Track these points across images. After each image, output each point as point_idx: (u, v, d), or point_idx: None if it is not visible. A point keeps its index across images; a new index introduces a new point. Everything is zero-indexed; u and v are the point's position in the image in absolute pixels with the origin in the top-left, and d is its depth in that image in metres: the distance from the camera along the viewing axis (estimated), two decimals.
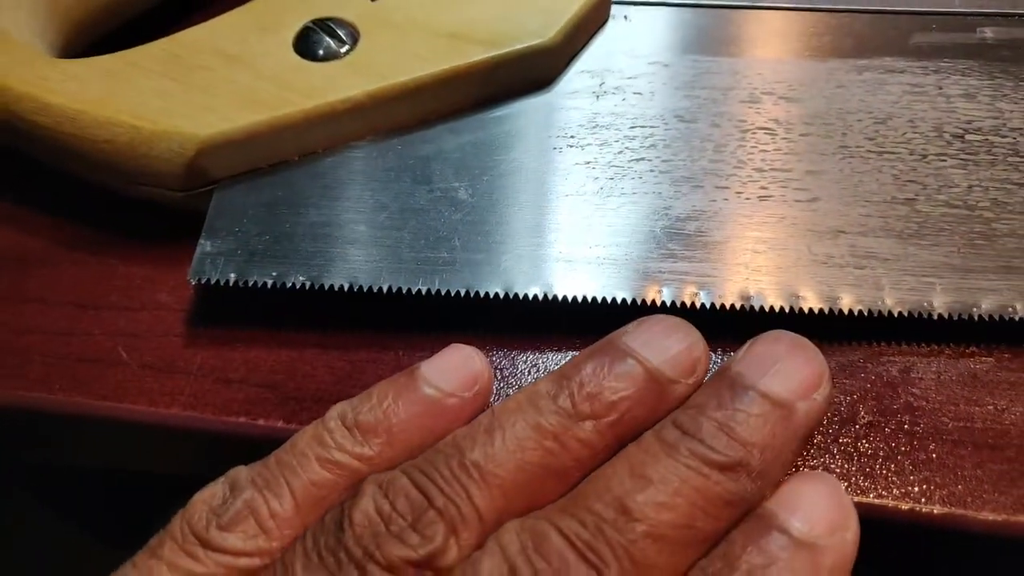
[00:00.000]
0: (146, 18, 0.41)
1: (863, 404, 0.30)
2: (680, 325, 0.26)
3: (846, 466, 0.28)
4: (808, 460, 0.28)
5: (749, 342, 0.26)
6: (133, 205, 0.34)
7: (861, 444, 0.29)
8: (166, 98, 0.33)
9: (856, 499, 0.27)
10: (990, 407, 0.29)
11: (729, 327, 0.31)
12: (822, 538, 0.22)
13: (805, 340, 0.25)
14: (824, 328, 0.31)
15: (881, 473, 0.28)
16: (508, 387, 0.30)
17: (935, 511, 0.27)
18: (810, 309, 0.30)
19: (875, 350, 0.31)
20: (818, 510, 0.23)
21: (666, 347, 0.25)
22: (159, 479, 0.36)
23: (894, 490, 0.28)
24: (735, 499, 0.23)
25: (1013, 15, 0.39)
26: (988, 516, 0.27)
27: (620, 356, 0.25)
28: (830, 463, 0.28)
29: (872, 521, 0.27)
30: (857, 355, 0.31)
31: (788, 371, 0.24)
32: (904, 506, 0.27)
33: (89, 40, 0.39)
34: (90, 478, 0.52)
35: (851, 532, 0.23)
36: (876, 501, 0.28)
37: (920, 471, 0.28)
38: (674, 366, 0.25)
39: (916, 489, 0.28)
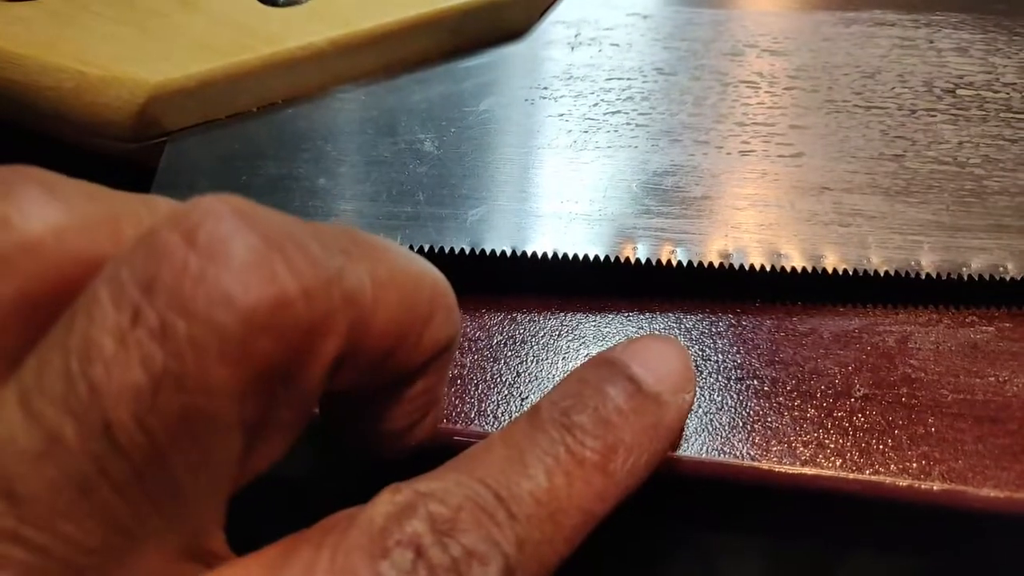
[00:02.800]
0: None
1: (859, 376, 0.28)
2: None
3: (841, 441, 0.27)
4: (802, 436, 0.27)
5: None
6: (88, 160, 0.33)
7: (857, 418, 0.27)
8: (117, 43, 0.31)
9: (852, 475, 0.26)
10: (991, 378, 0.28)
11: (708, 286, 0.30)
12: (666, 394, 0.23)
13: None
14: (811, 292, 0.30)
15: (878, 448, 0.27)
16: (475, 350, 0.29)
17: (934, 487, 0.26)
18: (792, 268, 0.29)
19: (871, 320, 0.29)
20: (666, 368, 0.23)
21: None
22: None
23: (891, 466, 0.26)
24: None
25: None
26: (989, 492, 0.26)
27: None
28: (824, 438, 0.27)
29: (869, 498, 0.26)
30: (853, 325, 0.29)
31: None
32: (902, 482, 0.26)
33: None
34: None
35: (690, 395, 0.24)
36: (873, 477, 0.26)
37: (918, 446, 0.27)
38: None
39: (915, 465, 0.26)
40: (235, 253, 0.16)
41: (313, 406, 0.19)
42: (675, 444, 0.26)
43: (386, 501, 0.19)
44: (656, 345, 0.24)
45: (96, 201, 0.18)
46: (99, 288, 0.16)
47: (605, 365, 0.23)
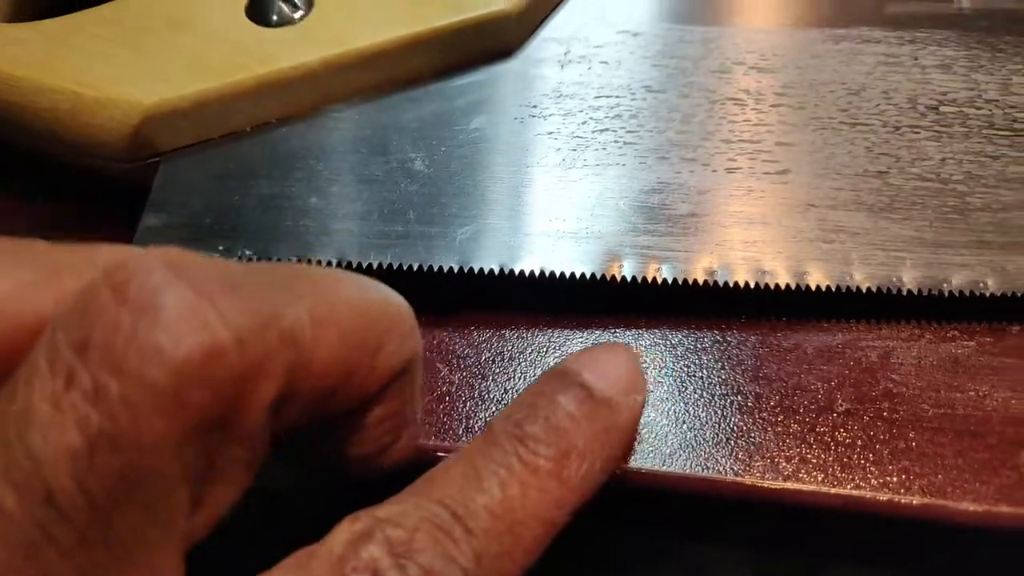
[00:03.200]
0: None
1: (841, 391, 0.29)
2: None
3: (823, 456, 0.27)
4: (784, 451, 0.27)
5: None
6: (85, 179, 0.33)
7: (839, 433, 0.28)
8: (111, 64, 0.32)
9: (833, 490, 0.26)
10: (971, 393, 0.28)
11: (694, 302, 0.30)
12: (616, 396, 0.24)
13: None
14: (794, 308, 0.30)
15: (859, 463, 0.27)
16: (464, 367, 0.29)
17: (914, 502, 0.26)
18: (776, 285, 0.29)
19: (854, 335, 0.30)
20: (615, 372, 0.24)
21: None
22: None
23: (872, 480, 0.27)
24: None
25: None
26: (969, 507, 0.26)
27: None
28: (807, 452, 0.27)
29: (849, 513, 0.27)
30: (836, 340, 0.30)
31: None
32: (883, 497, 0.26)
33: (41, 4, 0.38)
34: None
35: (641, 396, 0.25)
36: (854, 492, 0.26)
37: (899, 460, 0.27)
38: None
39: (895, 479, 0.27)
40: (165, 306, 0.16)
41: (260, 447, 0.19)
42: (630, 446, 0.26)
43: (344, 530, 0.19)
44: (606, 352, 0.25)
45: (33, 261, 0.19)
46: (38, 354, 0.16)
47: (557, 376, 0.24)
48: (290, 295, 0.18)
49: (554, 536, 0.22)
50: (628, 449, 0.26)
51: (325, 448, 0.23)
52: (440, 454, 0.27)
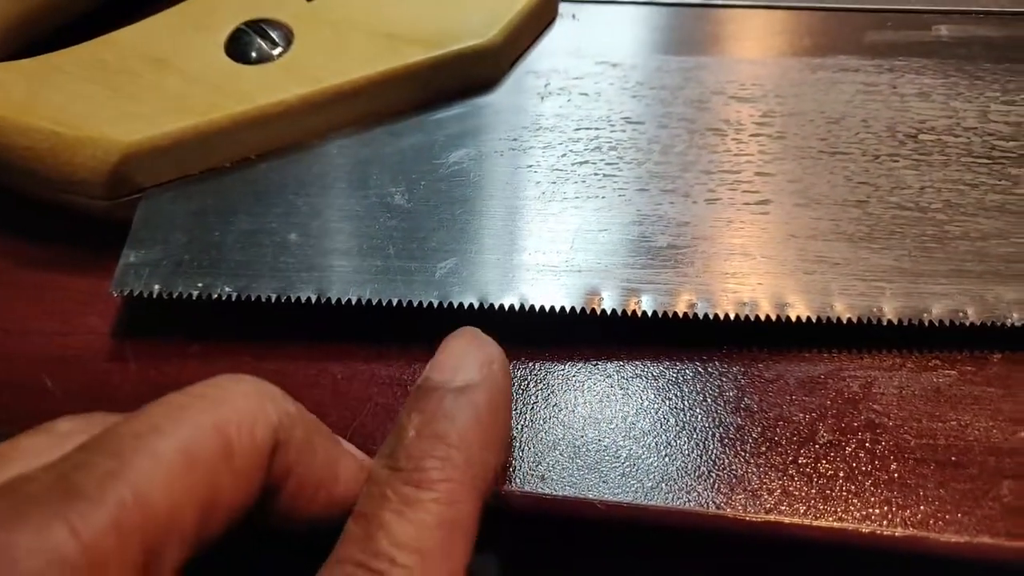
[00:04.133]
0: (82, 21, 0.40)
1: (823, 422, 0.28)
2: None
3: (805, 488, 0.27)
4: (766, 483, 0.27)
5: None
6: (66, 217, 0.33)
7: (821, 464, 0.28)
8: (90, 103, 0.32)
9: (815, 523, 0.26)
10: (953, 422, 0.28)
11: (674, 335, 0.30)
12: (469, 378, 0.24)
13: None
14: (778, 337, 0.30)
15: (841, 495, 0.27)
16: None
17: (896, 533, 0.26)
18: (757, 316, 0.29)
19: (835, 365, 0.30)
20: (459, 357, 0.25)
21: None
22: None
23: (854, 512, 0.27)
24: None
25: (968, 12, 0.38)
26: (951, 538, 0.26)
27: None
28: (788, 484, 0.27)
29: (832, 545, 0.27)
30: (818, 371, 0.30)
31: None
32: (865, 529, 0.26)
33: (22, 43, 0.38)
34: None
35: (496, 363, 0.25)
36: (836, 524, 0.26)
37: (881, 492, 0.27)
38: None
39: (877, 511, 0.27)
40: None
41: None
42: (503, 418, 0.25)
43: None
44: (446, 344, 0.26)
45: None
46: None
47: (413, 394, 0.25)
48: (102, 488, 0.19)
49: (475, 530, 0.22)
50: (503, 426, 0.25)
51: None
52: None
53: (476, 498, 0.23)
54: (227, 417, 0.21)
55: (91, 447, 0.20)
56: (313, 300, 0.29)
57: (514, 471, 0.27)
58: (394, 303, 0.29)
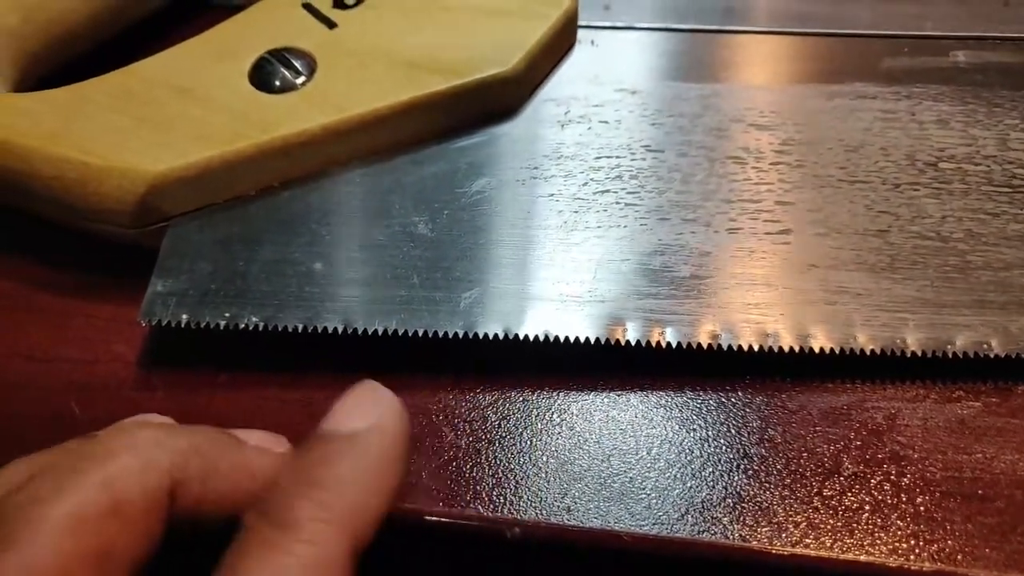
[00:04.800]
0: (106, 48, 0.40)
1: (847, 454, 0.29)
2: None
3: (831, 521, 0.27)
4: (791, 515, 0.27)
5: None
6: (93, 244, 0.33)
7: (846, 497, 0.28)
8: (117, 133, 0.32)
9: (841, 556, 0.26)
10: (979, 455, 0.28)
11: (698, 366, 0.30)
12: (358, 425, 0.24)
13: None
14: (799, 369, 0.30)
15: (867, 528, 0.27)
16: (469, 432, 0.29)
17: (924, 568, 0.26)
18: (780, 348, 0.29)
19: (859, 396, 0.30)
20: (350, 407, 0.25)
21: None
22: None
23: (881, 546, 0.27)
24: None
25: (985, 38, 0.38)
26: (979, 573, 0.26)
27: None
28: (813, 517, 0.27)
29: None
30: (841, 401, 0.30)
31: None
32: (892, 563, 0.26)
33: (45, 71, 0.38)
34: None
35: (387, 412, 0.25)
36: (863, 558, 0.26)
37: (908, 525, 0.27)
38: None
39: (904, 545, 0.27)
40: None
41: None
42: (389, 466, 0.25)
43: None
44: (342, 396, 0.25)
45: None
46: None
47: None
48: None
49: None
50: (394, 466, 0.25)
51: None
52: (444, 520, 0.27)
53: (349, 542, 0.22)
54: (113, 474, 0.21)
55: None
56: (340, 330, 0.29)
57: (541, 501, 0.28)
58: (419, 333, 0.29)
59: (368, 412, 0.25)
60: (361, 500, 0.23)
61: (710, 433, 0.29)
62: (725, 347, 0.29)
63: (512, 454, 0.29)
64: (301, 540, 0.21)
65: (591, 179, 0.34)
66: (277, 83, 0.34)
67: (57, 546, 0.20)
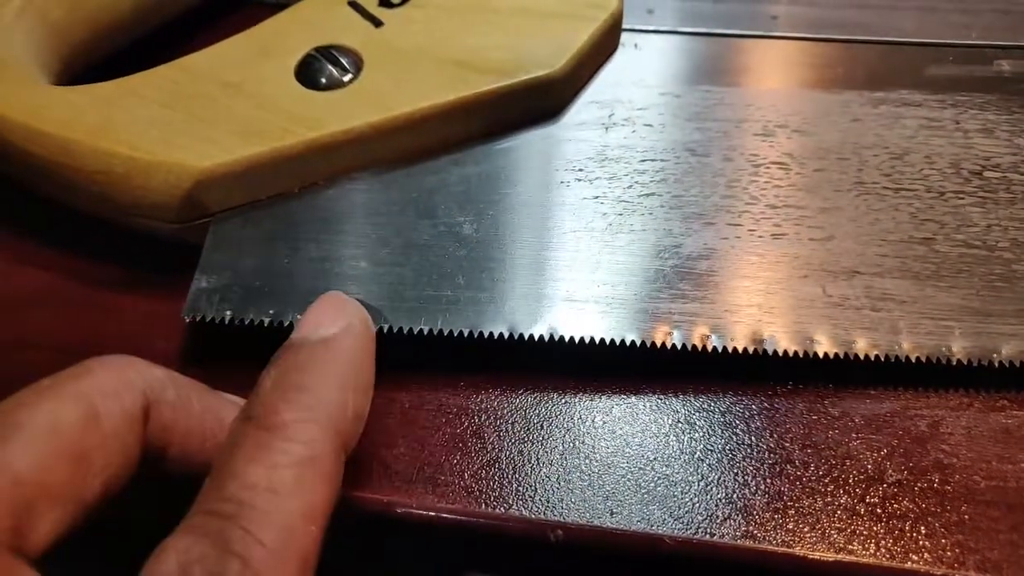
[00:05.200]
0: (149, 43, 0.40)
1: (891, 461, 0.28)
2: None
3: (875, 528, 0.27)
4: (835, 521, 0.27)
5: None
6: (133, 237, 0.33)
7: (890, 504, 0.28)
8: (164, 128, 0.32)
9: (886, 563, 0.26)
10: (1023, 464, 0.28)
11: (741, 370, 0.30)
12: (329, 331, 0.25)
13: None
14: (842, 375, 0.30)
15: (912, 536, 0.27)
16: (512, 432, 0.29)
17: None
18: (824, 354, 0.29)
19: (902, 403, 0.30)
20: (319, 315, 0.26)
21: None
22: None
23: (926, 555, 0.27)
24: None
25: None
26: None
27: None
28: (858, 524, 0.27)
29: None
30: (883, 408, 0.30)
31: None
32: (938, 572, 0.26)
33: (89, 63, 0.38)
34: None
35: (356, 317, 0.26)
36: (908, 566, 0.26)
37: (953, 534, 0.27)
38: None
39: (949, 554, 0.27)
40: None
41: None
42: (357, 368, 0.26)
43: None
44: (310, 306, 0.27)
45: None
46: None
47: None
48: None
49: (337, 471, 0.23)
50: (366, 366, 0.26)
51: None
52: (485, 521, 0.27)
53: (334, 439, 0.23)
54: (90, 386, 0.23)
55: None
56: (385, 330, 0.29)
57: (584, 504, 0.28)
58: (464, 333, 0.29)
59: (336, 318, 0.26)
60: (340, 398, 0.24)
61: (753, 438, 0.29)
62: (770, 352, 0.29)
63: (554, 456, 0.29)
64: (289, 439, 0.22)
65: (636, 182, 0.33)
66: (324, 80, 0.34)
67: (32, 445, 0.21)
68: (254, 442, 0.22)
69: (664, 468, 0.28)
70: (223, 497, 0.21)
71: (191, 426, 0.25)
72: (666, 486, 0.28)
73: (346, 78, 0.34)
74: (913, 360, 0.29)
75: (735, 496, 0.28)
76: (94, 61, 0.38)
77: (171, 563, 0.20)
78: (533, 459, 0.29)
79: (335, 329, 0.26)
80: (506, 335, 0.30)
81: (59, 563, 0.21)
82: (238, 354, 0.31)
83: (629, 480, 0.28)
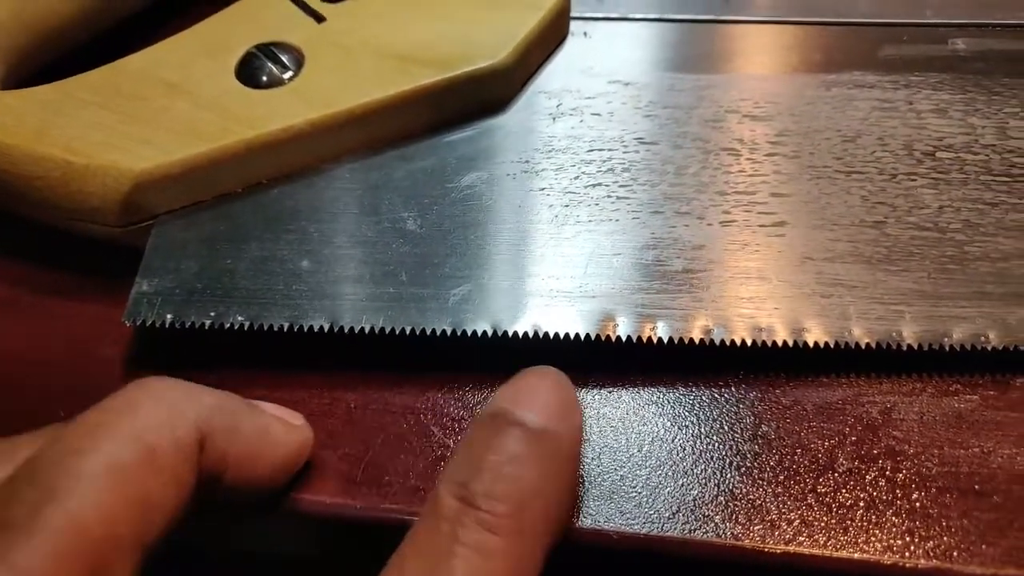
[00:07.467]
0: (95, 45, 0.39)
1: (842, 449, 0.28)
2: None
3: (824, 518, 0.27)
4: (785, 513, 0.27)
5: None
6: (80, 242, 0.33)
7: (840, 494, 0.27)
8: (102, 130, 0.32)
9: (835, 554, 0.26)
10: (975, 449, 0.28)
11: (691, 361, 0.30)
12: (553, 424, 0.24)
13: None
14: (795, 363, 0.30)
15: (862, 525, 0.26)
16: (459, 430, 0.29)
17: (920, 565, 0.26)
18: (774, 342, 0.29)
19: (855, 390, 0.29)
20: (545, 401, 0.24)
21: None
22: None
23: (876, 543, 0.26)
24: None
25: (986, 25, 0.38)
26: (976, 570, 0.26)
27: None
28: (807, 514, 0.27)
29: None
30: (836, 396, 0.29)
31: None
32: (887, 560, 0.26)
33: (34, 68, 0.38)
34: None
35: (578, 416, 0.25)
36: (856, 556, 0.26)
37: (903, 522, 0.27)
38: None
39: (899, 542, 0.26)
40: None
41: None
42: (576, 474, 0.25)
43: None
44: (532, 380, 0.25)
45: None
46: None
47: (488, 420, 0.24)
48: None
49: None
50: (575, 478, 0.25)
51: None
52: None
53: (543, 552, 0.22)
54: (144, 424, 0.22)
55: (18, 478, 0.20)
56: (326, 329, 0.29)
57: None
58: (407, 331, 0.29)
59: (567, 410, 0.25)
60: (552, 505, 0.23)
61: (702, 430, 0.29)
62: (718, 342, 0.29)
63: None
64: (508, 556, 0.21)
65: (583, 172, 0.33)
66: (264, 78, 0.33)
67: (100, 501, 0.20)
68: (475, 544, 0.21)
69: (612, 462, 0.28)
70: None
71: (242, 451, 0.24)
72: (613, 480, 0.28)
73: (287, 75, 0.33)
74: (864, 346, 0.29)
75: (684, 489, 0.27)
76: (38, 66, 0.38)
77: None
78: None
79: (557, 423, 0.24)
80: (448, 332, 0.29)
81: None
82: (185, 358, 0.31)
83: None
